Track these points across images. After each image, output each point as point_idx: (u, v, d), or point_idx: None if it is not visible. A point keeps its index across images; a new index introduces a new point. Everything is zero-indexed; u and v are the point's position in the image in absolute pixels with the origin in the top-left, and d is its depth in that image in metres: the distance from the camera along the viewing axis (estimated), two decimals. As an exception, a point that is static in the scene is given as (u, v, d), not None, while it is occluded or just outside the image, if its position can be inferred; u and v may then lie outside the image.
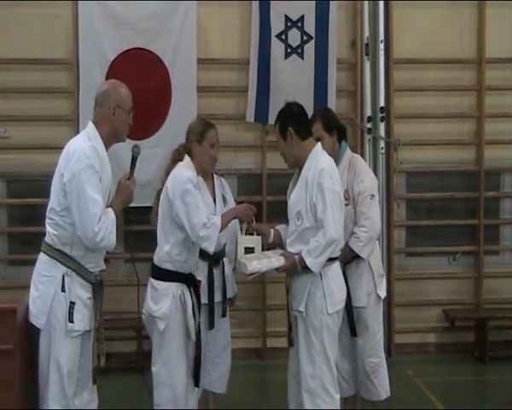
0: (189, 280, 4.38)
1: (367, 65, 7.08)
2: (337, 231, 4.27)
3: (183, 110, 6.50)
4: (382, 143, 7.09)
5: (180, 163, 4.38)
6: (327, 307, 4.30)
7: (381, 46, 7.04)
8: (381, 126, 7.10)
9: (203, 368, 4.57)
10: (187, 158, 4.41)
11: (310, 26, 6.88)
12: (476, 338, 7.18)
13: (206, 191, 5.03)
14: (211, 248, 4.28)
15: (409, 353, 7.10)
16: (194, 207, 4.20)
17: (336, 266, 4.43)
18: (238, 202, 5.38)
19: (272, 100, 6.84)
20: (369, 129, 7.07)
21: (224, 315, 5.16)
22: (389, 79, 7.10)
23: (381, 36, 7.04)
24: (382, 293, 5.03)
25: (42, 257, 3.99)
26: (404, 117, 7.16)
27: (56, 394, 3.90)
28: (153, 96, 6.60)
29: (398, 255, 7.29)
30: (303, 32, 6.89)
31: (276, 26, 6.87)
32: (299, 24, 6.88)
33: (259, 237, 4.50)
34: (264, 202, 6.98)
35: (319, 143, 4.48)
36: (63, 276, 3.90)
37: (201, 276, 4.83)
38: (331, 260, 4.33)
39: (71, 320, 3.89)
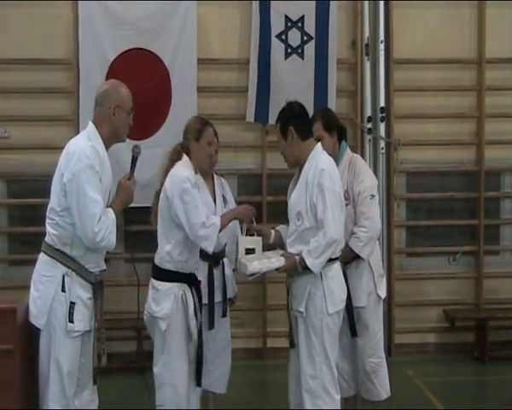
0: (190, 280, 4.38)
1: (367, 65, 7.08)
2: (337, 232, 4.27)
3: (183, 110, 6.49)
4: (382, 144, 7.09)
5: (178, 163, 4.38)
6: (327, 308, 4.29)
7: (381, 46, 7.05)
8: (382, 126, 7.10)
9: (204, 368, 4.56)
10: (185, 157, 4.40)
11: (310, 27, 6.88)
12: (476, 338, 7.18)
13: (206, 191, 5.04)
14: (210, 247, 4.28)
15: (409, 353, 7.10)
16: (193, 206, 4.20)
17: (337, 266, 4.43)
18: (238, 202, 5.39)
19: (272, 100, 6.84)
20: (370, 129, 7.07)
21: (224, 315, 5.16)
22: (389, 79, 7.10)
23: (381, 36, 7.05)
24: (382, 293, 5.03)
25: (42, 257, 3.99)
26: (404, 117, 7.16)
27: (56, 394, 3.90)
28: (153, 96, 6.61)
29: (399, 255, 7.29)
30: (303, 32, 6.89)
31: (277, 26, 6.87)
32: (300, 24, 6.88)
33: (260, 238, 4.50)
34: (264, 203, 6.98)
35: (319, 144, 4.47)
36: (63, 276, 3.90)
37: (201, 276, 4.82)
38: (331, 260, 4.33)
39: (71, 320, 3.88)
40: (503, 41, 7.19)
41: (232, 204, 5.23)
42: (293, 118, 4.41)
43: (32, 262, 4.08)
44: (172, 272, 4.29)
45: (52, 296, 3.89)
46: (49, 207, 3.97)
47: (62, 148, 4.02)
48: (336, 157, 4.80)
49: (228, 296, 5.19)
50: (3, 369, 3.93)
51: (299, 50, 6.91)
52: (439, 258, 7.31)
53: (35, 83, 6.77)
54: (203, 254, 4.58)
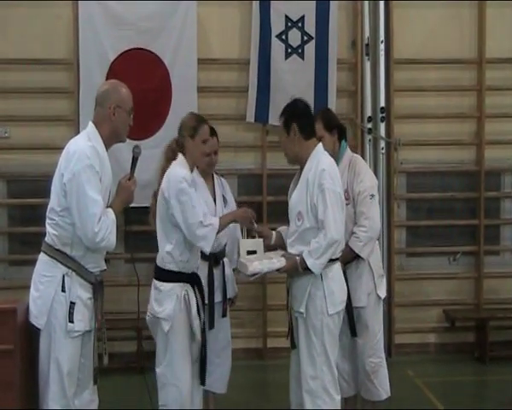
0: (192, 279, 4.38)
1: (367, 65, 7.08)
2: (338, 232, 4.27)
3: (183, 110, 6.36)
4: (383, 144, 7.09)
5: (174, 162, 4.37)
6: (327, 308, 4.29)
7: (382, 46, 7.05)
8: (382, 127, 7.10)
9: (204, 367, 4.58)
10: (180, 156, 4.39)
11: (310, 27, 6.88)
12: (476, 338, 7.17)
13: (206, 191, 5.03)
14: (207, 248, 4.29)
15: (409, 353, 7.10)
16: (190, 206, 4.20)
17: (337, 266, 4.43)
18: (238, 202, 5.40)
19: (272, 100, 6.84)
20: (370, 129, 7.07)
21: (224, 315, 5.16)
22: (389, 79, 7.10)
23: (382, 36, 7.05)
24: (382, 293, 5.03)
25: (42, 257, 3.99)
26: (404, 117, 7.16)
27: (56, 394, 3.90)
28: (153, 96, 6.60)
29: (399, 255, 7.29)
30: (303, 32, 6.89)
31: (277, 26, 6.87)
32: (300, 24, 6.88)
33: (261, 240, 4.51)
34: (264, 203, 6.98)
35: (321, 144, 4.47)
36: (63, 276, 3.90)
37: (202, 276, 4.80)
38: (332, 260, 4.33)
39: (71, 320, 3.88)
40: (503, 41, 7.18)
41: (232, 204, 5.23)
42: (298, 115, 4.41)
43: (32, 262, 4.08)
44: (174, 273, 4.29)
45: (52, 296, 3.89)
46: (49, 207, 3.97)
47: (62, 148, 4.02)
48: (336, 157, 4.81)
49: (228, 296, 5.19)
50: (3, 369, 3.93)
51: (300, 50, 6.91)
52: (440, 258, 7.31)
53: (35, 83, 6.77)
54: (203, 254, 4.58)
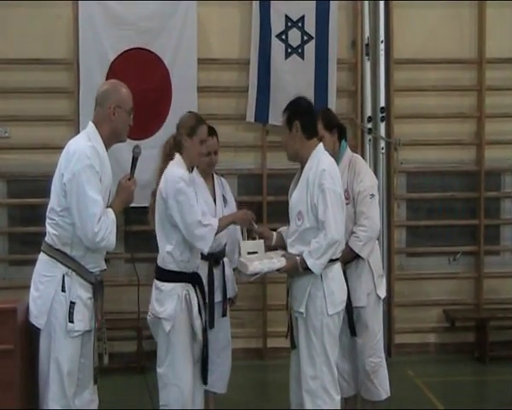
0: (193, 279, 4.38)
1: (367, 65, 7.08)
2: (338, 232, 4.27)
3: (183, 110, 6.33)
4: (383, 144, 7.09)
5: (171, 162, 4.37)
6: (327, 309, 4.29)
7: (382, 46, 7.05)
8: (382, 126, 7.10)
9: (205, 367, 4.58)
10: (177, 156, 4.39)
11: (310, 26, 6.88)
12: (476, 338, 7.17)
13: (206, 191, 5.03)
14: (205, 248, 4.29)
15: (409, 353, 7.10)
16: (188, 206, 4.20)
17: (337, 267, 4.43)
18: (238, 202, 5.39)
19: (272, 100, 6.84)
20: (370, 129, 7.07)
21: (224, 315, 5.16)
22: (389, 79, 7.10)
23: (382, 36, 7.05)
24: (382, 293, 5.03)
25: (42, 257, 3.99)
26: (404, 117, 7.16)
27: (56, 394, 3.90)
28: (153, 96, 6.60)
29: (399, 255, 7.29)
30: (303, 32, 6.89)
31: (277, 26, 6.87)
32: (300, 24, 6.88)
33: (262, 241, 4.51)
34: (264, 203, 6.97)
35: (321, 144, 4.47)
36: (63, 276, 3.90)
37: (202, 275, 4.81)
38: (332, 261, 4.32)
39: (71, 320, 3.88)
40: (503, 41, 7.18)
41: (232, 204, 5.23)
42: (301, 113, 4.41)
43: (32, 262, 4.08)
44: (175, 273, 4.29)
45: (52, 296, 3.89)
46: (49, 207, 3.97)
47: (62, 148, 4.01)
48: (336, 156, 4.81)
49: (228, 296, 5.19)
50: (3, 369, 3.93)
51: (300, 50, 6.91)
52: (440, 258, 7.31)
53: (35, 83, 6.77)
54: (203, 254, 4.58)
